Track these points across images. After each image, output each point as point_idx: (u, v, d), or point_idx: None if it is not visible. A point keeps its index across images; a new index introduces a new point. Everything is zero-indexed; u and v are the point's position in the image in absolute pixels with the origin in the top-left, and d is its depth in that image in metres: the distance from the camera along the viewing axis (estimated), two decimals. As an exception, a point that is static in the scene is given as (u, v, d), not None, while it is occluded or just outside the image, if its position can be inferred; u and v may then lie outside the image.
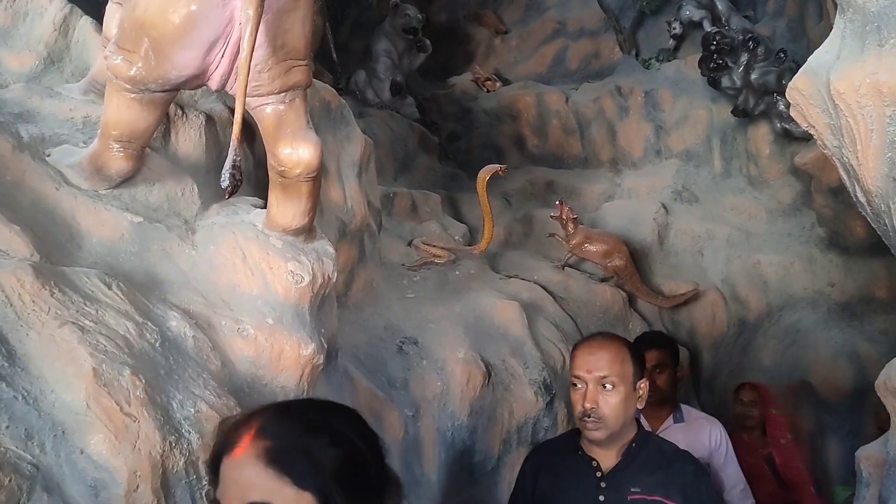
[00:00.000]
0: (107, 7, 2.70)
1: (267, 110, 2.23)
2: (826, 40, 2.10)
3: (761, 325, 5.55)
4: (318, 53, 5.78)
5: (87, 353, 1.64)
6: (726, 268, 5.83)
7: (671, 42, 7.06)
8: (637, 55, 7.52)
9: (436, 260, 4.67)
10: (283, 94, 2.20)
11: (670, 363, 3.71)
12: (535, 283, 4.83)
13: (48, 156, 2.27)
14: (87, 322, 1.72)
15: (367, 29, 7.28)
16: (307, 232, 2.44)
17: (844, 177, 2.12)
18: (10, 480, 1.45)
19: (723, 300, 5.64)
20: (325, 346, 2.47)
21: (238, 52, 2.03)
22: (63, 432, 1.58)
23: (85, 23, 3.23)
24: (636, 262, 5.48)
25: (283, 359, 2.23)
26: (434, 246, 4.72)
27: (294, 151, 2.22)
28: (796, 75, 2.17)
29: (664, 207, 6.14)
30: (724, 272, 5.81)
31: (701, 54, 5.85)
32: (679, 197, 6.37)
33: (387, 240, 4.64)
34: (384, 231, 4.62)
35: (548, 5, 8.42)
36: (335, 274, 2.47)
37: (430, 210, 5.51)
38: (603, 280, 5.16)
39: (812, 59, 2.13)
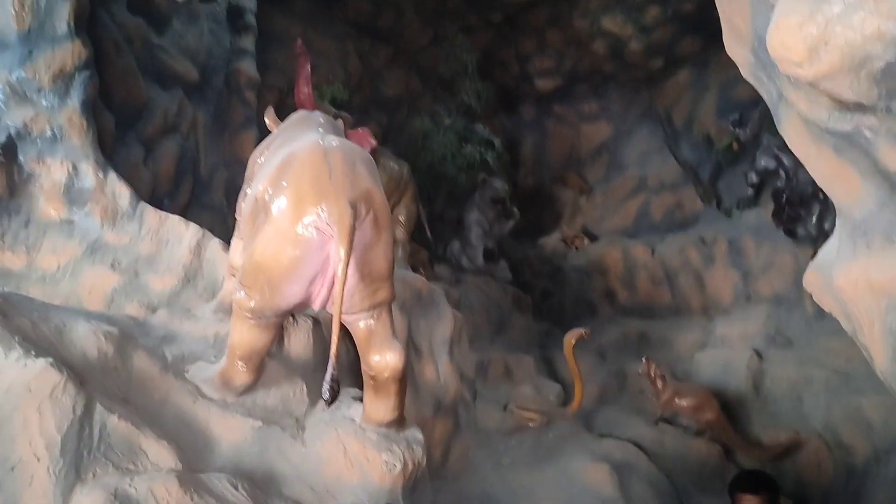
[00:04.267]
0: (232, 240, 3.29)
1: (360, 324, 2.68)
2: (831, 237, 2.39)
3: (870, 471, 5.42)
4: (415, 233, 6.37)
5: (219, 548, 2.03)
6: (827, 413, 5.77)
7: (750, 191, 7.33)
8: (719, 205, 7.80)
9: (530, 424, 4.93)
10: (371, 310, 2.65)
11: None
12: (628, 440, 4.98)
13: (187, 372, 2.77)
14: (219, 521, 2.12)
15: (460, 200, 7.92)
16: (398, 423, 2.82)
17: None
18: None
19: (826, 447, 5.56)
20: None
21: (334, 282, 2.50)
22: None
23: (215, 244, 3.86)
24: (731, 412, 5.54)
25: (384, 540, 2.55)
26: (528, 409, 4.99)
27: (382, 358, 2.64)
28: (808, 269, 2.45)
29: (757, 354, 6.21)
30: (825, 417, 5.76)
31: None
32: (773, 342, 6.43)
33: (482, 406, 4.95)
34: (480, 398, 4.95)
35: (627, 162, 8.91)
36: (424, 459, 2.81)
37: (523, 372, 5.83)
38: (698, 434, 5.24)
39: (819, 255, 2.41)
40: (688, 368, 6.25)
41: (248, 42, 5.93)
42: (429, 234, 6.52)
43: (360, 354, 2.74)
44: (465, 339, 4.82)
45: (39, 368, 2.22)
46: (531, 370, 5.92)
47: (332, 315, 2.55)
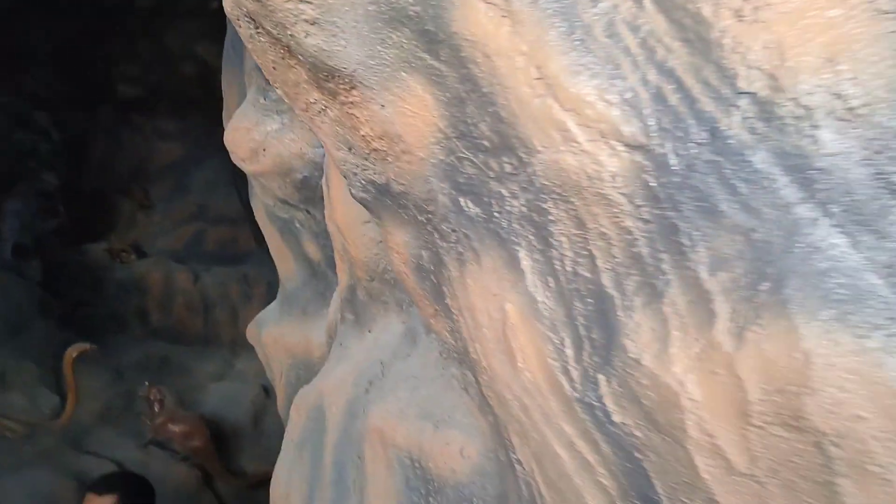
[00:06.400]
0: None
1: None
2: (275, 301, 2.89)
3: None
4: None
5: None
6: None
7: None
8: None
9: (8, 434, 4.73)
10: None
11: None
12: (112, 460, 5.04)
13: None
14: None
15: (2, 181, 7.27)
16: None
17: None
18: None
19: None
20: None
21: None
22: None
23: None
24: (226, 442, 5.91)
25: None
26: (8, 418, 4.78)
27: None
28: (250, 324, 2.92)
29: (265, 391, 6.71)
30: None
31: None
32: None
33: (-46, 410, 4.63)
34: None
35: (193, 188, 9.03)
36: None
37: (22, 381, 5.54)
38: (184, 459, 5.50)
39: (261, 313, 2.89)
40: (201, 398, 6.50)
41: None
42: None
43: None
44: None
45: None
46: (32, 379, 5.65)
47: None
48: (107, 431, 5.65)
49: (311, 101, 1.05)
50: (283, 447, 2.13)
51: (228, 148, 2.25)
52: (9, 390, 5.37)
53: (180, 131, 9.11)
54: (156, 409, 5.36)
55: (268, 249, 8.35)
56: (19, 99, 7.26)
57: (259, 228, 8.25)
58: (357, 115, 0.97)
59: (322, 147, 2.18)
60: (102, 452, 5.15)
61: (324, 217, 2.35)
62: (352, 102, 0.97)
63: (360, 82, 0.92)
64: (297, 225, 2.45)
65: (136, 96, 8.91)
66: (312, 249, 2.46)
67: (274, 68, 1.07)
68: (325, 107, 1.04)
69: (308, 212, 2.33)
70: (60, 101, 8.10)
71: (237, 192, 8.69)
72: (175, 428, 5.39)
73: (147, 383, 5.44)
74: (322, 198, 2.11)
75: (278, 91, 1.10)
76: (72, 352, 4.92)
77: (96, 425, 5.71)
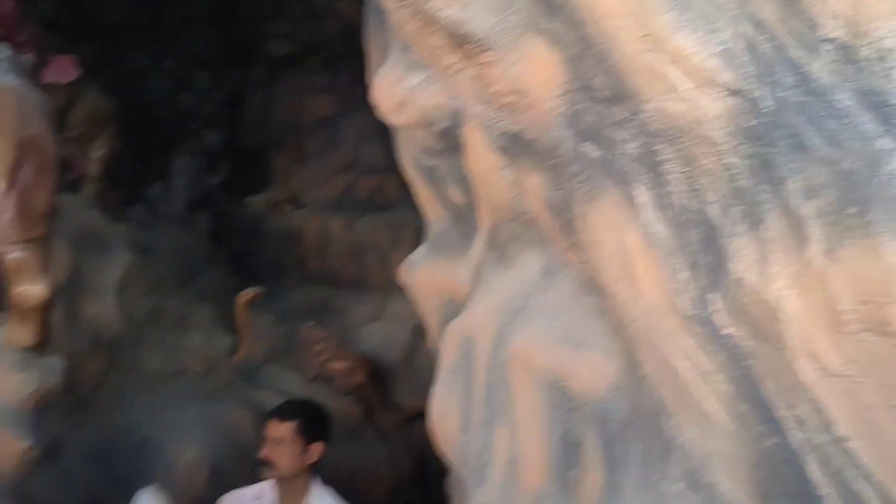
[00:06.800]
0: None
1: (11, 256, 2.90)
2: (424, 243, 3.09)
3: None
4: (115, 172, 6.39)
5: None
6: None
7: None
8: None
9: (192, 369, 5.29)
10: (24, 244, 2.89)
11: None
12: (282, 393, 5.52)
13: None
14: None
15: (170, 145, 7.95)
16: (38, 348, 3.08)
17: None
18: None
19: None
20: (47, 443, 3.07)
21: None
22: None
23: None
24: (384, 379, 6.32)
25: (1, 451, 2.82)
26: (191, 357, 5.34)
27: (26, 290, 2.90)
28: (401, 266, 3.14)
29: (417, 330, 7.07)
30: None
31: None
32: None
33: (147, 349, 5.22)
34: (146, 340, 5.21)
35: (343, 140, 9.45)
36: (60, 385, 3.11)
37: (198, 322, 6.15)
38: (346, 394, 5.94)
39: (411, 256, 3.09)
40: (358, 337, 6.94)
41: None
42: (127, 175, 6.56)
43: (7, 283, 2.96)
44: (141, 283, 5.07)
45: None
46: (208, 321, 6.23)
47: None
48: (275, 368, 6.16)
49: (450, 62, 1.20)
50: (438, 375, 2.34)
51: (375, 102, 2.44)
52: (189, 332, 5.96)
53: (329, 86, 9.53)
54: (318, 349, 5.79)
55: (412, 196, 8.64)
56: (181, 62, 7.85)
57: (404, 177, 8.55)
58: (490, 74, 1.11)
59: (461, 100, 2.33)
60: (274, 387, 5.64)
61: (465, 164, 2.52)
62: (485, 63, 1.11)
63: (491, 45, 1.06)
64: (441, 172, 2.62)
65: (286, 53, 9.39)
66: (456, 194, 2.63)
67: (415, 35, 1.22)
68: (463, 67, 1.18)
69: (451, 159, 2.50)
70: (217, 61, 8.68)
71: (383, 143, 9.06)
72: (337, 366, 5.81)
73: (309, 324, 5.87)
74: (462, 146, 2.27)
75: (421, 54, 1.25)
76: (244, 297, 5.41)
77: (265, 363, 6.24)
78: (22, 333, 2.97)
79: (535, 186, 1.27)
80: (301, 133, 9.76)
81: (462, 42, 1.11)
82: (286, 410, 3.06)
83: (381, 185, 9.19)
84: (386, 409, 6.00)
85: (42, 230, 2.91)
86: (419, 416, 6.34)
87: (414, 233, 8.08)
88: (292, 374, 6.02)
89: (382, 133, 9.13)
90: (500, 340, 1.73)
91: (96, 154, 5.84)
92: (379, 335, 7.01)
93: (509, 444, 1.64)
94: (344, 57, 9.63)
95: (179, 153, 7.81)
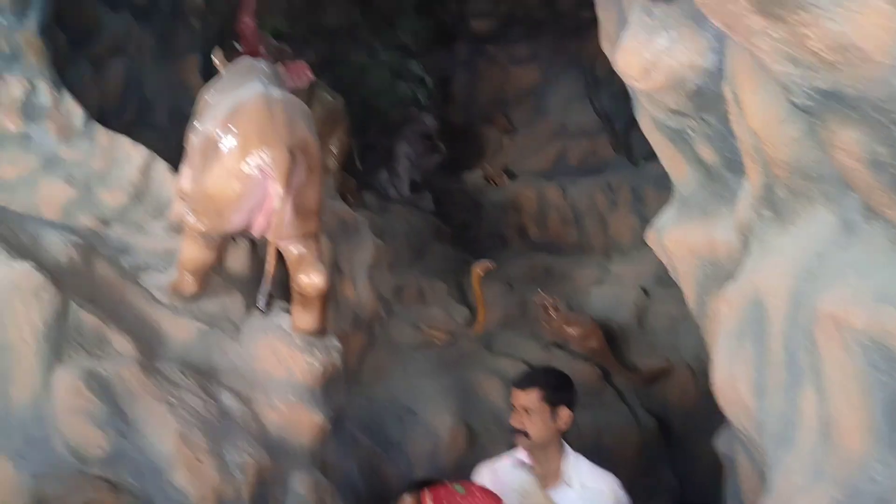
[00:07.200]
0: (182, 167, 3.75)
1: (291, 249, 3.22)
2: (668, 205, 3.04)
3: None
4: (347, 163, 6.86)
5: (174, 419, 2.61)
6: (698, 345, 6.62)
7: (655, 144, 7.99)
8: (629, 155, 8.49)
9: (436, 341, 5.60)
10: (301, 238, 3.20)
11: None
12: (521, 360, 5.71)
13: (140, 280, 3.29)
14: (172, 399, 2.70)
15: (390, 133, 8.39)
16: (320, 332, 3.41)
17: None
18: (127, 500, 2.41)
19: (692, 374, 6.42)
20: (333, 415, 3.40)
21: (272, 213, 3.04)
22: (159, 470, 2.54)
23: (161, 166, 4.29)
24: (616, 341, 6.33)
25: (300, 425, 3.17)
26: (435, 328, 5.65)
27: (308, 279, 3.21)
28: (647, 229, 3.11)
29: (644, 291, 6.99)
30: (695, 349, 6.61)
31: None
32: (660, 282, 7.21)
33: (396, 324, 5.59)
34: (394, 316, 5.59)
35: (551, 108, 9.47)
36: (340, 363, 3.43)
37: (436, 296, 6.48)
38: (583, 358, 6.01)
39: (658, 219, 3.05)
40: (584, 301, 6.99)
41: (194, -31, 6.18)
42: (359, 164, 7.02)
43: (291, 274, 3.29)
44: (385, 263, 5.42)
45: (24, 270, 2.70)
46: (443, 294, 6.56)
47: (268, 240, 3.11)
48: (510, 335, 6.35)
49: (752, 25, 1.19)
50: (719, 339, 2.30)
51: (620, 70, 2.44)
52: (429, 305, 6.30)
53: (531, 56, 9.58)
54: (551, 314, 5.89)
55: (626, 156, 8.50)
56: (395, 52, 8.22)
57: (616, 137, 8.40)
58: (806, 33, 1.09)
59: (713, 55, 2.27)
60: (513, 353, 5.83)
61: (718, 122, 2.46)
62: (800, 23, 1.09)
63: (811, 5, 1.04)
64: (690, 132, 2.58)
65: (488, 28, 9.54)
66: (707, 153, 2.57)
67: (711, 2, 1.22)
68: (767, 28, 1.17)
69: (702, 118, 2.45)
70: (425, 47, 9.00)
71: (592, 104, 8.96)
72: (571, 330, 5.89)
73: (540, 291, 5.99)
74: (723, 104, 2.23)
75: (714, 21, 1.24)
76: (477, 269, 5.62)
77: (500, 331, 6.45)
78: (306, 320, 3.30)
79: (848, 142, 1.23)
80: (507, 105, 9.90)
81: (775, 4, 1.09)
82: (528, 379, 3.03)
83: (592, 148, 9.12)
84: (624, 371, 6.00)
85: (316, 225, 3.22)
86: (658, 376, 6.31)
87: (631, 193, 7.98)
88: (528, 341, 6.18)
89: (588, 96, 9.03)
90: (799, 302, 1.69)
91: (333, 149, 6.30)
92: (606, 298, 7.01)
93: (818, 407, 1.60)
94: (544, 24, 9.63)
95: (401, 139, 8.21)
